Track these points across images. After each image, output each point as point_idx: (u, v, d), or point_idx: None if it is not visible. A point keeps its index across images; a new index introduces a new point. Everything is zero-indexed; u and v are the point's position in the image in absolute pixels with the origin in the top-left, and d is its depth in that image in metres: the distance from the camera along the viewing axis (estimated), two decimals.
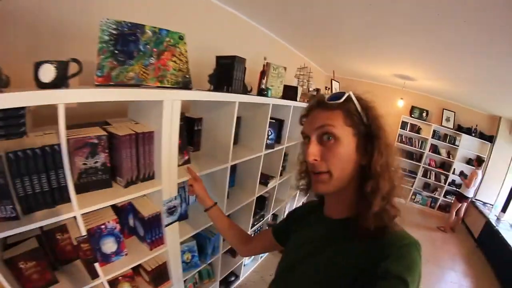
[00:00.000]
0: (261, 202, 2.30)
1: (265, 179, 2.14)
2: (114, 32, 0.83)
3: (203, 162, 1.36)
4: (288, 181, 2.62)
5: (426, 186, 5.55)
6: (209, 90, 1.23)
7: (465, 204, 4.48)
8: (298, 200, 3.38)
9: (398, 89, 5.13)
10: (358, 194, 0.58)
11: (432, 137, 5.24)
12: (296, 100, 2.13)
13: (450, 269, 3.44)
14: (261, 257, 2.72)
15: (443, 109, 5.24)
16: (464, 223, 4.89)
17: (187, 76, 1.00)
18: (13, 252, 0.78)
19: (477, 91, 3.68)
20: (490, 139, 4.95)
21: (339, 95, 0.59)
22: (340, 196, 0.62)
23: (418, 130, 5.45)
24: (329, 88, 3.64)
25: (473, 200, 4.77)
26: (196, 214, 1.42)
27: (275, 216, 2.83)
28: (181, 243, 1.28)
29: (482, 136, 5.01)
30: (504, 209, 4.29)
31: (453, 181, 5.28)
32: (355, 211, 0.58)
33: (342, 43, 2.86)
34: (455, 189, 5.12)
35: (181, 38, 0.98)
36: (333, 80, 3.60)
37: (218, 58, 1.32)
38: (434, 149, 5.35)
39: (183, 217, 1.21)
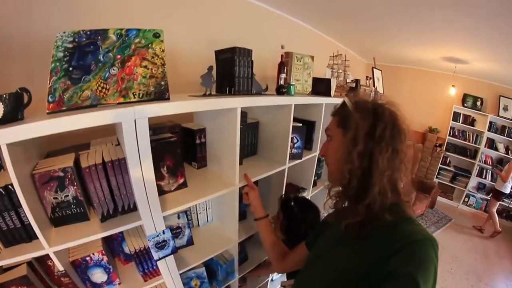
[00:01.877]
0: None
1: (294, 193, 1.90)
2: (69, 46, 0.74)
3: (208, 183, 1.20)
4: (323, 190, 2.33)
5: (481, 187, 5.05)
6: (204, 95, 1.05)
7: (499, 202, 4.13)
8: None
9: (449, 75, 4.69)
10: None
11: (488, 130, 4.75)
12: (329, 95, 1.83)
13: None
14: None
15: (500, 96, 4.66)
16: None
17: (162, 83, 0.83)
18: (4, 278, 0.83)
19: None
20: None
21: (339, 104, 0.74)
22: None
23: (472, 122, 4.95)
24: (370, 77, 3.36)
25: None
26: (204, 239, 1.33)
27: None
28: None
29: None
30: None
31: None
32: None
33: (379, 22, 2.60)
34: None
35: (157, 36, 0.82)
36: (374, 69, 3.37)
37: (217, 53, 1.13)
38: (491, 144, 4.82)
39: (174, 251, 1.08)
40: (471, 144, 4.99)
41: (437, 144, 5.14)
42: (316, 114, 1.81)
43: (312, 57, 1.56)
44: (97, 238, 0.85)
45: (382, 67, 3.93)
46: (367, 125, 0.62)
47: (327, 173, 0.75)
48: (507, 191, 3.97)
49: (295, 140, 1.58)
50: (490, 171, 4.85)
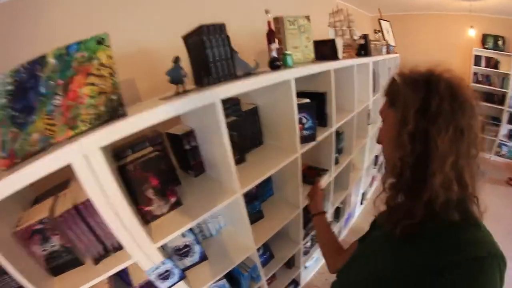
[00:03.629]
0: None
1: (313, 177, 1.79)
2: (10, 88, 0.66)
3: (206, 194, 1.11)
4: (348, 166, 2.24)
5: None
6: (177, 94, 0.91)
7: None
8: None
9: (464, 16, 4.48)
10: None
11: None
12: (337, 58, 1.63)
13: None
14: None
15: None
16: None
17: (113, 97, 0.70)
18: None
19: None
20: None
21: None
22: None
23: (495, 64, 4.60)
24: (379, 30, 3.20)
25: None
26: (219, 251, 1.29)
27: (338, 210, 2.52)
28: None
29: None
30: None
31: None
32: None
33: None
34: None
35: (100, 42, 0.70)
36: (381, 20, 3.23)
37: (186, 39, 0.98)
38: None
39: (182, 277, 1.02)
40: (498, 88, 4.66)
41: None
42: (325, 84, 1.63)
43: (308, 17, 1.37)
44: (94, 283, 0.82)
45: (389, 17, 3.85)
46: (418, 98, 0.54)
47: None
48: None
49: (304, 120, 1.44)
50: None
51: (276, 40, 1.24)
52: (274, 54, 1.23)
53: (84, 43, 0.69)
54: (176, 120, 1.20)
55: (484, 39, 4.57)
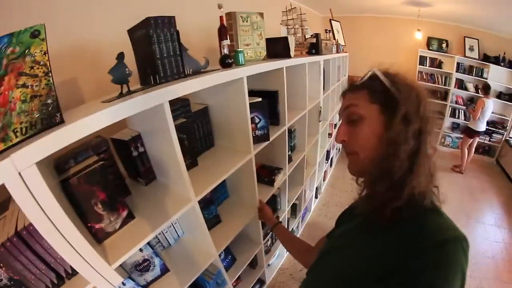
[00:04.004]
0: (271, 203, 2.03)
1: (269, 177, 1.84)
2: None
3: (159, 205, 1.05)
4: (301, 162, 2.35)
5: (455, 127, 5.67)
6: (120, 96, 0.84)
7: (476, 139, 4.57)
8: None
9: (412, 20, 5.06)
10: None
11: (456, 71, 5.19)
12: (289, 56, 1.69)
13: (493, 225, 3.36)
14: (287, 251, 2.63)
15: (465, 37, 5.07)
16: (500, 165, 4.99)
17: (49, 101, 0.62)
18: None
19: (506, 12, 3.44)
20: None
21: (364, 76, 0.69)
22: None
23: (439, 64, 5.38)
24: (329, 30, 3.41)
25: (508, 138, 4.94)
26: (180, 261, 1.24)
27: (294, 206, 2.63)
28: None
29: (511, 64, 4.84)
30: None
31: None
32: None
33: None
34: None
35: (36, 34, 0.61)
36: (332, 21, 3.42)
37: (131, 33, 0.92)
38: (460, 85, 5.34)
39: None
40: (441, 86, 5.42)
41: None
42: (277, 82, 1.67)
43: (261, 14, 1.39)
44: None
45: (340, 18, 4.14)
46: (415, 101, 0.60)
47: (352, 162, 0.68)
48: (479, 128, 4.34)
49: (256, 120, 1.45)
50: (462, 111, 5.42)
51: (228, 37, 1.24)
52: (226, 51, 1.22)
53: (16, 36, 0.59)
54: (122, 123, 1.11)
55: (429, 41, 5.27)
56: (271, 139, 1.56)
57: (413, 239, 0.52)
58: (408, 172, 0.58)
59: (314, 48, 2.25)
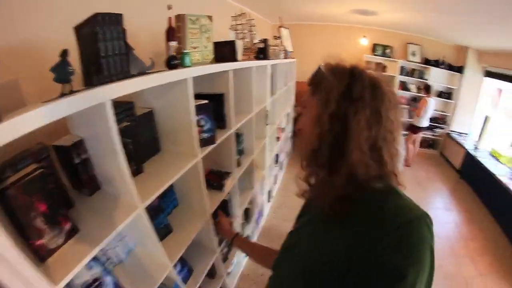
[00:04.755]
0: (223, 210, 2.06)
1: (218, 181, 1.89)
2: None
3: (104, 215, 1.02)
4: (250, 166, 2.45)
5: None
6: (62, 95, 0.81)
7: (420, 134, 5.38)
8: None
9: (358, 28, 5.81)
10: None
11: (400, 74, 6.12)
12: (236, 60, 1.78)
13: (443, 209, 4.01)
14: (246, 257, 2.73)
15: (407, 43, 5.99)
16: (444, 156, 6.02)
17: None
18: None
19: (444, 21, 4.03)
20: (459, 69, 5.81)
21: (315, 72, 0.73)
22: None
23: (383, 69, 6.14)
24: (278, 37, 3.63)
25: (448, 131, 5.93)
26: (134, 276, 1.22)
27: (247, 211, 2.71)
28: None
29: (451, 67, 5.88)
30: (479, 137, 5.12)
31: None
32: None
33: None
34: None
35: None
36: (281, 28, 3.64)
37: (77, 30, 0.91)
38: (403, 86, 6.23)
39: None
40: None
41: None
42: (223, 85, 1.76)
43: (210, 18, 1.44)
44: None
45: (290, 26, 4.36)
46: (342, 85, 0.63)
47: (300, 149, 0.76)
48: (422, 125, 5.09)
49: (202, 122, 1.50)
50: (406, 110, 6.12)
51: (176, 39, 1.27)
52: (172, 52, 1.26)
53: None
54: (64, 129, 1.08)
55: (374, 48, 6.09)
56: (217, 142, 1.62)
57: (374, 222, 0.54)
58: (337, 157, 0.62)
59: (262, 53, 2.38)
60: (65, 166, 1.07)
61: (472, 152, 4.82)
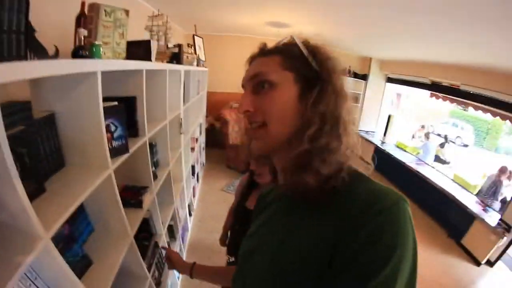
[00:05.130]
0: (145, 230, 1.84)
1: (135, 198, 1.66)
2: None
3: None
4: (168, 179, 2.26)
5: None
6: None
7: None
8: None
9: (272, 40, 6.01)
10: None
11: None
12: (150, 60, 1.62)
13: None
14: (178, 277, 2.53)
15: None
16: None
17: None
18: None
19: (351, 35, 4.60)
20: (364, 77, 6.94)
21: (280, 40, 0.66)
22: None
23: None
24: (191, 45, 3.66)
25: (358, 131, 6.93)
26: None
27: (171, 228, 2.49)
28: None
29: (356, 75, 6.91)
30: (384, 133, 6.30)
31: None
32: None
33: None
34: None
35: None
36: (195, 36, 3.71)
37: None
38: None
39: None
40: None
41: None
42: (135, 87, 1.55)
43: (127, 12, 1.26)
44: None
45: (205, 36, 4.57)
46: (334, 77, 0.59)
47: (258, 138, 0.62)
48: None
49: (112, 128, 1.28)
50: None
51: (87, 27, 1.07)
52: (82, 42, 1.04)
53: None
54: None
55: None
56: (130, 150, 1.40)
57: (352, 210, 0.49)
58: (325, 149, 0.55)
59: (176, 58, 2.27)
60: None
61: (380, 146, 5.75)
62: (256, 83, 0.61)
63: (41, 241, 0.79)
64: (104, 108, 1.14)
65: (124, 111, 1.34)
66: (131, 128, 1.54)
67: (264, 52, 0.66)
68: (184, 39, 5.24)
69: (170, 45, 2.29)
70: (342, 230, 0.48)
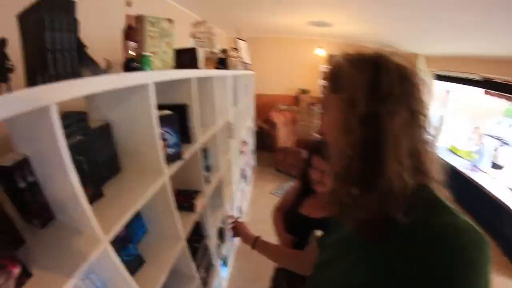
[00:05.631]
0: (196, 232, 1.88)
1: (188, 202, 1.71)
2: None
3: (61, 252, 0.81)
4: (219, 182, 2.29)
5: None
6: None
7: None
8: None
9: (314, 39, 5.78)
10: None
11: None
12: (197, 68, 1.66)
13: None
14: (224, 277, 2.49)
15: None
16: None
17: None
18: None
19: (395, 30, 4.23)
20: None
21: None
22: None
23: None
24: (236, 48, 3.52)
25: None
26: None
27: (221, 231, 2.52)
28: None
29: None
30: (436, 137, 5.60)
31: None
32: None
33: None
34: None
35: None
36: (239, 39, 3.57)
37: (22, 18, 0.72)
38: None
39: None
40: None
41: (311, 103, 6.31)
42: (186, 95, 1.60)
43: (171, 21, 1.31)
44: None
45: (248, 39, 4.30)
46: (367, 78, 0.52)
47: (329, 160, 0.66)
48: None
49: (167, 136, 1.33)
50: None
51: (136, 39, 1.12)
52: (132, 53, 1.09)
53: None
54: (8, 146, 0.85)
55: (330, 59, 5.93)
56: (184, 157, 1.44)
57: (420, 243, 0.46)
58: (372, 169, 0.51)
59: (222, 63, 2.29)
60: (8, 192, 0.83)
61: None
62: (321, 111, 0.70)
63: (101, 244, 0.85)
64: (160, 117, 1.21)
65: (177, 120, 1.39)
66: (184, 134, 1.60)
67: (324, 77, 0.68)
68: (227, 42, 5.22)
69: (215, 51, 2.32)
70: (407, 266, 0.46)
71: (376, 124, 0.51)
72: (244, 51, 3.83)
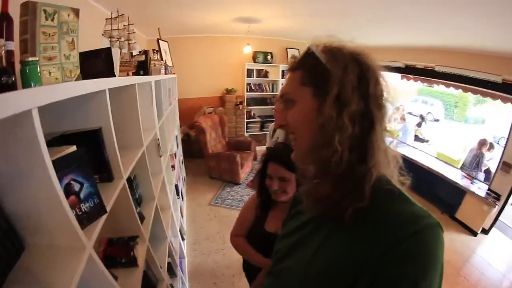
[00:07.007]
0: (144, 283, 1.39)
1: (125, 255, 1.26)
2: None
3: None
4: (156, 212, 1.84)
5: None
6: None
7: None
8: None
9: (241, 37, 5.74)
10: None
11: (282, 78, 6.38)
12: (113, 75, 1.20)
13: None
14: None
15: (287, 48, 6.35)
16: None
17: None
18: None
19: (321, 25, 4.32)
20: None
21: (304, 50, 0.62)
22: None
23: (266, 74, 6.48)
24: (157, 50, 3.25)
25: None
26: None
27: (170, 266, 2.09)
28: None
29: None
30: None
31: None
32: None
33: None
34: None
35: None
36: (160, 40, 3.37)
37: None
38: None
39: None
40: (269, 93, 6.48)
41: (238, 103, 6.25)
42: (99, 114, 1.10)
43: (76, 12, 0.83)
44: None
45: (170, 39, 4.15)
46: (355, 77, 0.53)
47: (294, 147, 0.64)
48: None
49: (75, 187, 0.83)
50: None
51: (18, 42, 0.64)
52: (3, 61, 0.61)
53: None
54: None
55: (255, 55, 6.16)
56: (108, 208, 0.96)
57: (384, 229, 0.49)
58: (358, 163, 0.54)
59: (143, 68, 1.81)
60: None
61: None
62: (284, 101, 0.64)
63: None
64: (56, 161, 0.71)
65: (85, 157, 0.88)
66: (101, 171, 1.11)
67: (292, 67, 0.63)
68: (146, 45, 4.73)
69: (135, 52, 1.86)
70: (369, 250, 0.48)
71: (367, 120, 0.53)
72: (166, 53, 3.43)
